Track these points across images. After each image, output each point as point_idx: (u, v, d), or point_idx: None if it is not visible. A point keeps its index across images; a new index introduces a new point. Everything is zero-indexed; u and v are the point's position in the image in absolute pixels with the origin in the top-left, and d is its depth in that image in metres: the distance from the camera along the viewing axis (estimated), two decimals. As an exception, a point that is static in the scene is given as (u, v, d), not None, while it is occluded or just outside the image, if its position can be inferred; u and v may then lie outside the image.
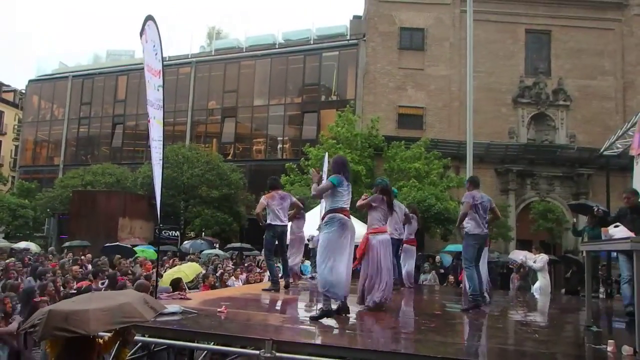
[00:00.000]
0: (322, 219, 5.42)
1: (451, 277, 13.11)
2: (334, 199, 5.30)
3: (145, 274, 8.96)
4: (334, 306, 5.26)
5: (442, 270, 14.49)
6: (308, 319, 5.08)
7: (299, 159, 23.67)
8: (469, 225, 6.75)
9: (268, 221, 7.71)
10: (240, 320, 4.97)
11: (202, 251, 18.37)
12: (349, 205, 5.45)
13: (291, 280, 8.56)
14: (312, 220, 10.30)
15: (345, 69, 28.74)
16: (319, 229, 5.57)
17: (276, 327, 4.81)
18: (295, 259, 8.91)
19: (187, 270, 8.77)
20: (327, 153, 12.90)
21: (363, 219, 7.28)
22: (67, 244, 19.90)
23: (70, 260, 12.53)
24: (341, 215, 5.24)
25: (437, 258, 16.07)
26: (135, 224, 22.11)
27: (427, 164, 21.17)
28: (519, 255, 11.95)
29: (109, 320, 2.99)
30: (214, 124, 31.49)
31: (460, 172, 22.11)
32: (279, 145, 29.88)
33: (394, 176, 21.32)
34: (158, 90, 5.76)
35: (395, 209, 8.18)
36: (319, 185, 5.59)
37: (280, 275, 8.40)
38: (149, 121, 5.82)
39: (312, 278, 9.99)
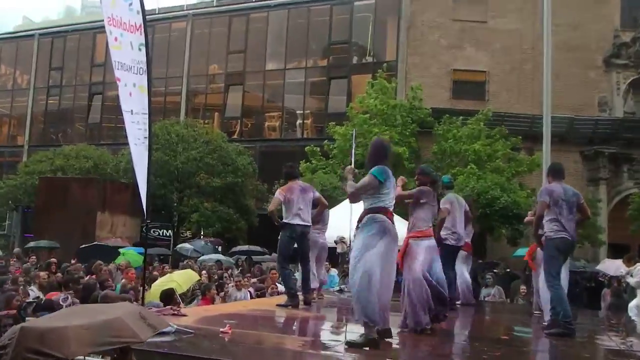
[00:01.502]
0: (359, 220, 5.40)
1: (522, 288, 12.92)
2: (375, 197, 5.32)
3: (129, 285, 9.00)
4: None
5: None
6: (344, 344, 5.05)
7: (324, 138, 23.68)
8: (550, 229, 6.64)
9: (285, 219, 7.72)
10: (248, 343, 5.01)
11: (200, 255, 18.54)
12: (392, 205, 5.47)
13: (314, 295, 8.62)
14: (339, 217, 10.30)
15: (383, 23, 28.47)
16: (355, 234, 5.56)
17: (294, 353, 4.82)
18: (317, 269, 8.89)
19: (180, 278, 8.85)
20: (355, 130, 12.90)
21: (405, 215, 7.36)
22: (31, 244, 20.29)
23: (35, 266, 12.69)
24: (382, 217, 5.28)
25: (498, 269, 15.85)
26: (117, 220, 22.40)
27: (490, 144, 20.93)
28: (612, 267, 11.73)
29: (93, 341, 3.00)
30: (216, 94, 31.64)
31: (535, 155, 21.68)
32: (298, 121, 29.93)
33: (447, 161, 21.13)
34: (140, 50, 5.82)
35: (450, 205, 8.21)
36: (355, 181, 5.52)
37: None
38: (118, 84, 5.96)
39: (341, 291, 10.12)
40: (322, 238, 8.96)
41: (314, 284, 8.71)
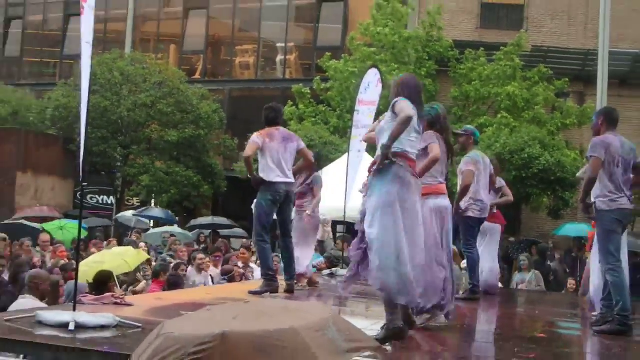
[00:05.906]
0: (370, 171, 5.43)
1: (570, 282, 13.26)
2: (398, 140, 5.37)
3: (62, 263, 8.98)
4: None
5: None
6: None
7: (312, 78, 23.71)
8: (601, 196, 6.60)
9: (262, 176, 7.73)
10: (212, 340, 5.04)
11: (146, 230, 18.54)
12: (415, 153, 5.61)
13: (299, 282, 8.73)
14: (335, 184, 10.41)
15: None
16: (365, 190, 5.55)
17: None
18: (304, 251, 8.95)
19: (111, 257, 8.90)
20: (376, 70, 12.18)
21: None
22: None
23: None
24: (400, 163, 5.35)
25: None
26: (43, 184, 22.31)
27: (528, 88, 20.90)
28: None
29: (337, 347, 3.02)
30: (172, 20, 31.25)
31: (587, 102, 21.66)
32: (279, 57, 29.42)
33: (471, 108, 21.29)
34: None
35: (476, 167, 8.36)
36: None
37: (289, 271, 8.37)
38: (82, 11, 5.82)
39: (332, 275, 10.27)
40: (312, 212, 9.02)
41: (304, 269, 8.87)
